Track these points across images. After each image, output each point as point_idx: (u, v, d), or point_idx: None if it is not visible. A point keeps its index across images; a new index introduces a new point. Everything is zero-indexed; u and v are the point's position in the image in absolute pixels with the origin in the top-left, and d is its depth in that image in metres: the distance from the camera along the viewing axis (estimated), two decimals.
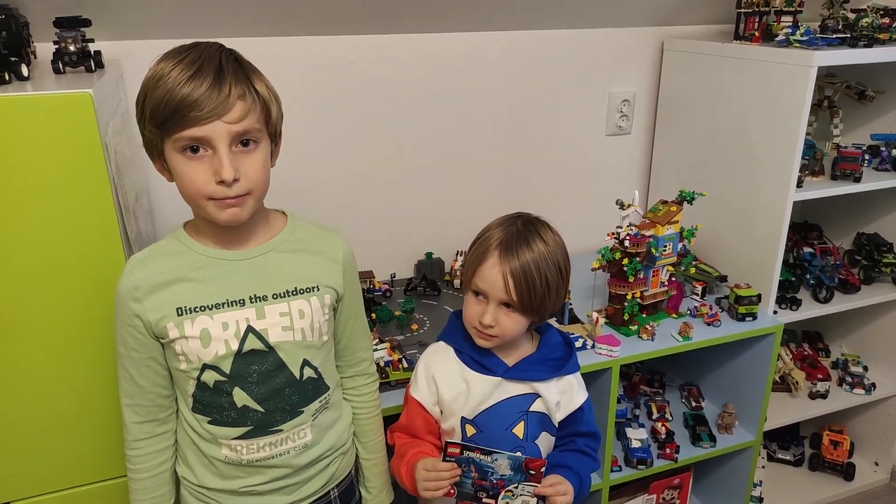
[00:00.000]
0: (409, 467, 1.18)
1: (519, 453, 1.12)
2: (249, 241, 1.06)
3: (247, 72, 0.96)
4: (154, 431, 1.08)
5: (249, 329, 1.03)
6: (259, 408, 1.05)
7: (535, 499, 1.14)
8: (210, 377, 1.03)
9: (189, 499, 1.12)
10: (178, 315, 1.00)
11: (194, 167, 0.94)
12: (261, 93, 0.97)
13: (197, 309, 1.01)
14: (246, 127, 0.94)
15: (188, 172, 0.94)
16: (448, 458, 1.12)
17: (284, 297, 1.05)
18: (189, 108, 0.89)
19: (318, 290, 1.08)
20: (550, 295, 1.16)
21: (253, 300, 1.03)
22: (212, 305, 1.01)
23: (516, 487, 1.13)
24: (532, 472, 1.12)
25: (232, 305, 1.02)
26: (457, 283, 1.95)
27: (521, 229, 1.16)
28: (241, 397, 1.04)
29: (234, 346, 1.02)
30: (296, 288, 1.06)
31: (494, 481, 1.13)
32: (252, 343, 1.03)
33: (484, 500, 1.14)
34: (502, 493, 1.13)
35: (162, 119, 0.91)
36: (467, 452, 1.11)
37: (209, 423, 1.06)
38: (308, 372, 1.09)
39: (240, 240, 1.05)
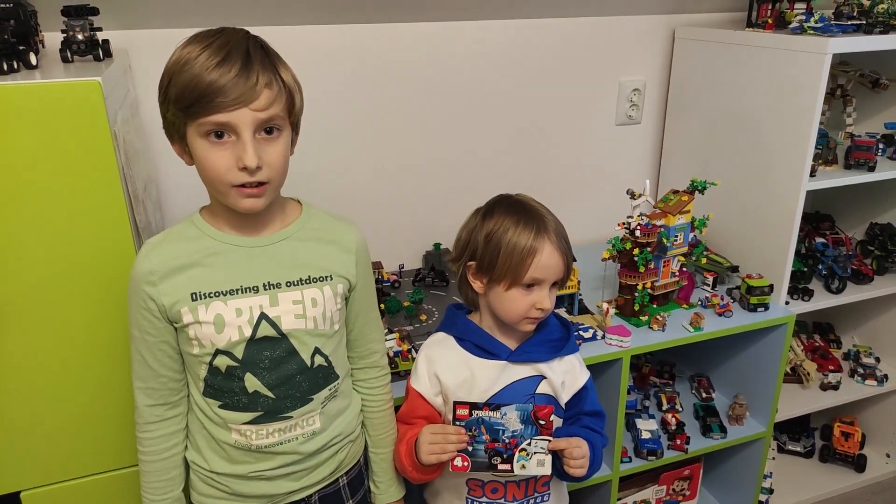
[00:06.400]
0: (409, 445, 1.18)
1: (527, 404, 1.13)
2: (265, 228, 1.06)
3: (273, 60, 0.97)
4: (165, 415, 1.08)
5: (263, 316, 1.03)
6: (270, 394, 1.06)
7: (550, 456, 1.13)
8: (222, 362, 1.03)
9: (199, 484, 1.13)
10: (193, 300, 1.00)
11: (218, 153, 0.94)
12: (286, 81, 0.97)
13: (211, 294, 1.01)
14: (271, 115, 0.95)
15: (211, 158, 0.94)
16: (458, 422, 1.12)
17: (298, 285, 1.06)
18: (216, 94, 0.90)
19: (331, 279, 1.09)
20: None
21: (267, 287, 1.04)
22: (226, 291, 1.02)
23: (529, 444, 1.12)
24: (542, 421, 1.11)
25: (246, 292, 1.03)
26: None
27: (531, 207, 1.21)
28: (252, 383, 1.05)
29: (248, 333, 1.02)
30: (309, 276, 1.07)
31: (507, 440, 1.12)
32: (265, 330, 1.03)
33: (499, 466, 1.13)
34: (516, 455, 1.12)
35: (187, 103, 0.91)
36: (476, 412, 1.11)
37: (220, 407, 1.06)
38: (319, 360, 1.09)
39: (256, 226, 1.05)
